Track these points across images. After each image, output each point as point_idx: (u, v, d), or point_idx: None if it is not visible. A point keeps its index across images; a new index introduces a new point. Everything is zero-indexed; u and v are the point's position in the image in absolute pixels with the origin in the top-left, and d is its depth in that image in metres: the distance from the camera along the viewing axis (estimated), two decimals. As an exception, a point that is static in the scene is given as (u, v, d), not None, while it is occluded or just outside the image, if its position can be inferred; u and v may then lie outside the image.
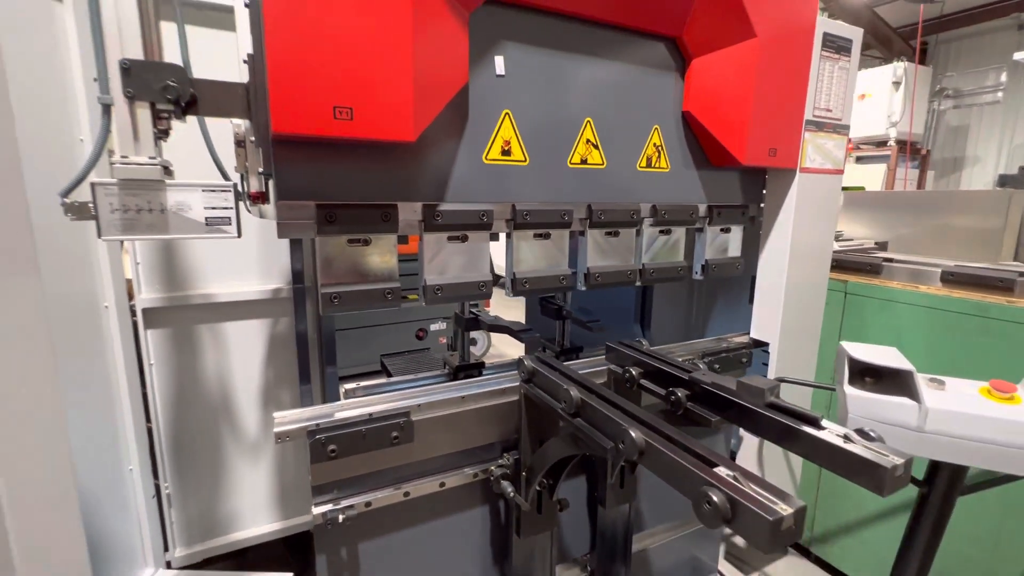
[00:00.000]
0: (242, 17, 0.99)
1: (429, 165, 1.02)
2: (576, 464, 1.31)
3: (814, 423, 0.83)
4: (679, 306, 2.06)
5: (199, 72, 0.86)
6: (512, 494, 1.13)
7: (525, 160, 1.14)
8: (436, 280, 1.08)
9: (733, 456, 1.76)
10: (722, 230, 1.50)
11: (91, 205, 0.80)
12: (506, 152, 1.11)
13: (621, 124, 1.25)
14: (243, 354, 1.48)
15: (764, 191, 1.55)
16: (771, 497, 0.62)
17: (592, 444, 0.87)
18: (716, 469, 0.68)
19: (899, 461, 0.72)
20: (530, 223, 1.16)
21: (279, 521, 1.64)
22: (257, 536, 1.60)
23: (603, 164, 1.24)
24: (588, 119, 1.19)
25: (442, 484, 1.14)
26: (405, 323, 3.85)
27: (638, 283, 1.37)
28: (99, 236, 0.81)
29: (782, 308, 1.56)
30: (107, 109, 0.79)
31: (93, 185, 0.79)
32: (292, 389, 1.56)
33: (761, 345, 1.59)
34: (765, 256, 1.58)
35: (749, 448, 1.71)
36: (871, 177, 6.67)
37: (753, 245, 1.60)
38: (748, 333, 1.63)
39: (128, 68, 0.77)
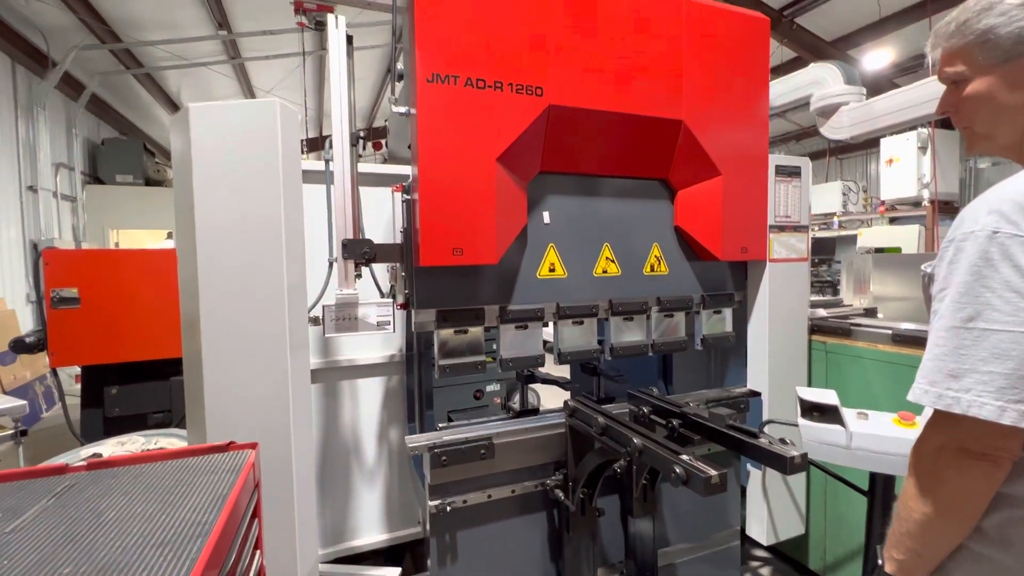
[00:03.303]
0: (397, 203, 1.67)
1: (504, 281, 1.63)
2: (610, 484, 1.79)
3: (754, 435, 1.31)
4: (698, 363, 2.52)
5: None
6: (563, 498, 1.63)
7: (565, 274, 1.73)
8: (508, 355, 1.66)
9: (743, 490, 2.14)
10: (714, 312, 2.00)
11: (320, 317, 1.45)
12: (552, 270, 1.71)
13: (630, 244, 1.82)
14: (368, 401, 2.09)
15: (746, 279, 2.06)
16: (707, 468, 1.11)
17: (612, 451, 1.38)
18: (680, 456, 1.18)
19: (796, 453, 1.20)
20: (569, 315, 1.72)
21: (386, 533, 2.16)
22: (370, 544, 2.12)
23: (619, 273, 1.81)
24: (607, 243, 1.78)
25: (513, 491, 1.65)
26: (465, 385, 4.39)
27: (650, 353, 1.89)
28: (324, 334, 1.45)
29: (768, 365, 2.02)
30: (331, 264, 1.46)
31: (324, 307, 1.45)
32: (399, 428, 2.14)
33: (756, 395, 2.04)
34: (751, 326, 2.07)
35: (755, 483, 2.10)
36: (907, 237, 6.84)
37: (743, 319, 2.09)
38: (747, 385, 2.09)
39: (346, 244, 1.44)
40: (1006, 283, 0.68)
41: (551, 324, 1.72)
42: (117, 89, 7.59)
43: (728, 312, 2.02)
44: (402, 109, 1.50)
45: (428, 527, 1.58)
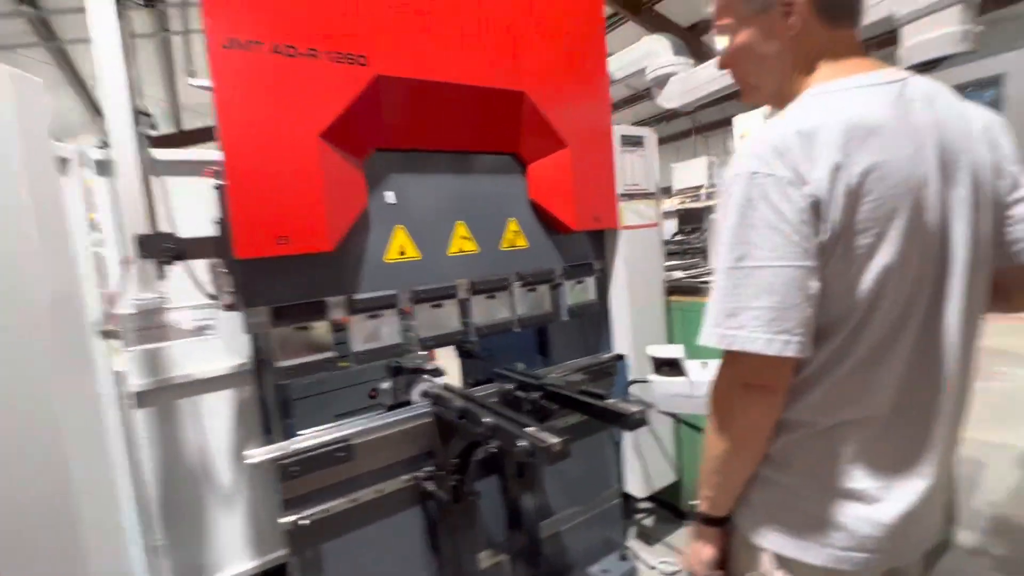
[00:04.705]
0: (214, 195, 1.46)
1: (347, 269, 1.51)
2: (489, 465, 1.76)
3: (600, 397, 1.34)
4: (574, 334, 2.57)
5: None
6: (434, 489, 1.56)
7: (419, 256, 1.64)
8: (362, 347, 1.54)
9: (617, 445, 2.24)
10: (577, 282, 2.03)
11: (118, 329, 1.23)
12: (403, 253, 1.61)
13: (486, 220, 1.78)
14: (217, 419, 1.85)
15: (604, 247, 2.12)
16: (548, 438, 1.10)
17: (471, 433, 1.34)
18: (526, 429, 1.16)
19: (636, 409, 1.23)
20: (426, 298, 1.64)
21: (256, 559, 1.95)
22: (238, 574, 1.91)
23: (477, 250, 1.77)
24: (461, 221, 1.72)
25: (380, 491, 1.55)
26: (358, 385, 4.16)
27: (517, 329, 1.87)
28: (125, 347, 1.23)
29: (630, 328, 2.11)
30: (125, 264, 1.24)
31: (120, 316, 1.23)
32: (258, 442, 1.93)
33: (621, 358, 2.12)
34: (613, 292, 2.14)
35: (630, 441, 2.21)
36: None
37: (605, 286, 2.16)
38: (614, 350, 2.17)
39: (142, 240, 1.23)
40: (765, 221, 0.71)
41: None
42: None
43: (590, 281, 2.06)
44: (202, 82, 1.30)
45: (287, 546, 1.43)
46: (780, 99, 0.86)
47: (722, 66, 0.94)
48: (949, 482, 0.83)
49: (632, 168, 2.10)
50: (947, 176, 0.73)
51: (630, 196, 2.09)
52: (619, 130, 2.05)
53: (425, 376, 1.97)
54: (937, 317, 0.74)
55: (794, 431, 0.78)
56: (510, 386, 1.63)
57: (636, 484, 2.22)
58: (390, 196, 1.59)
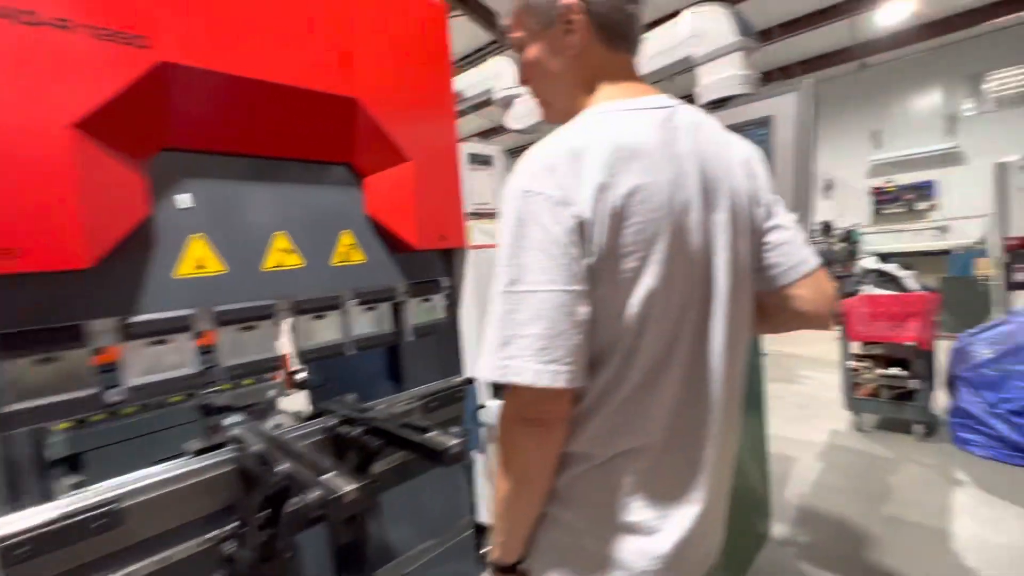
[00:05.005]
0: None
1: (117, 285, 1.24)
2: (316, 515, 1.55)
3: (424, 431, 1.23)
4: (429, 357, 2.45)
5: None
6: (236, 550, 1.32)
7: (224, 270, 1.42)
8: (142, 381, 1.27)
9: (469, 471, 2.15)
10: (424, 299, 1.93)
11: None
12: (201, 267, 1.37)
13: (313, 232, 1.60)
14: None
15: (453, 266, 2.05)
16: (344, 487, 0.97)
17: (268, 483, 1.15)
18: (322, 476, 1.01)
19: (452, 443, 1.15)
20: (232, 320, 1.42)
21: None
22: None
23: (302, 263, 1.58)
24: (280, 232, 1.52)
25: (165, 560, 1.27)
26: (194, 423, 3.62)
27: (353, 352, 1.70)
28: None
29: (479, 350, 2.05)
30: None
31: None
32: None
33: (471, 382, 2.05)
34: (462, 313, 2.07)
35: (482, 468, 2.14)
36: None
37: (456, 307, 2.08)
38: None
39: None
40: (536, 243, 0.67)
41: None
42: None
43: (438, 299, 1.97)
44: None
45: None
46: (567, 117, 0.84)
47: (520, 81, 0.91)
48: (727, 501, 0.86)
49: (481, 187, 2.07)
50: (708, 202, 0.75)
51: (478, 215, 2.05)
52: (467, 148, 2.01)
53: (241, 414, 1.72)
54: (704, 341, 0.76)
55: (576, 465, 0.74)
56: (334, 422, 1.46)
57: (487, 512, 2.14)
58: (184, 200, 1.36)
